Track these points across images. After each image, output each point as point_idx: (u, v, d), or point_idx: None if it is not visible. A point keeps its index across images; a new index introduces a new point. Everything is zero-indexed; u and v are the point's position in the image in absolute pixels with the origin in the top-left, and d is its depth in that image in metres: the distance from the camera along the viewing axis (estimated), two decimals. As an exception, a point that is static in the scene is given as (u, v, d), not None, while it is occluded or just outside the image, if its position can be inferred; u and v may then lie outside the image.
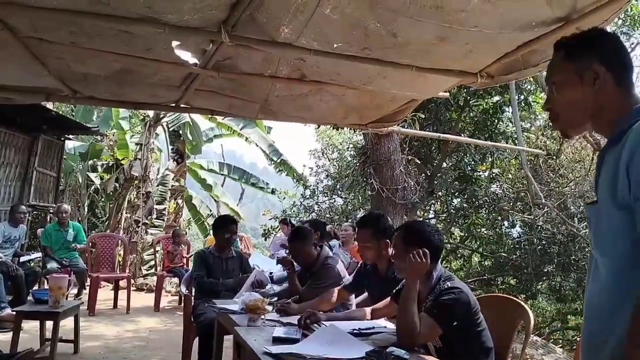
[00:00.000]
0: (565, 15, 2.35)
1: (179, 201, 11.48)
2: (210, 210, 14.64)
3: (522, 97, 8.49)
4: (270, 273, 5.11)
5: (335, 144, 13.24)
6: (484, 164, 9.07)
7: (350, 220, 9.53)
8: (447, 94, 4.11)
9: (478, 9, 2.26)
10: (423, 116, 7.32)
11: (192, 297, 4.29)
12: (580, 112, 1.33)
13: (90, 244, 7.79)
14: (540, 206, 8.67)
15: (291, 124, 4.61)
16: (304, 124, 5.92)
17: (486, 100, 8.21)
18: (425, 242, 2.41)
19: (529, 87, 8.77)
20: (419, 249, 2.35)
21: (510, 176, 9.94)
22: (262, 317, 2.82)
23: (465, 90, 7.77)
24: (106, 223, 11.57)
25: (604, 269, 1.21)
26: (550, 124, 1.50)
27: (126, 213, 10.78)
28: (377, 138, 6.66)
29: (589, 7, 2.28)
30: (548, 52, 2.74)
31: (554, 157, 9.52)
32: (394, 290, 2.74)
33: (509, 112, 8.59)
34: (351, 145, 10.95)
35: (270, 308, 3.01)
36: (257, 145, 13.04)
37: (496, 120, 8.33)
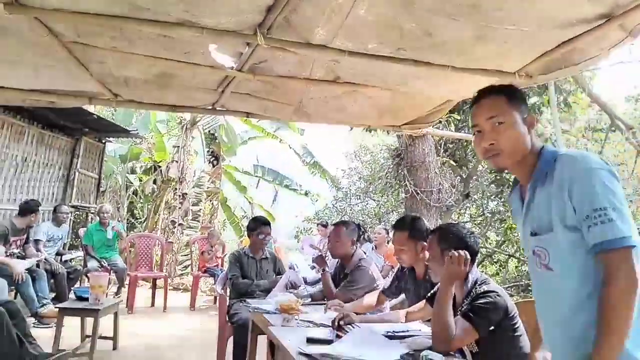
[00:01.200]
0: (608, 12, 2.28)
1: (214, 202, 11.63)
2: (245, 212, 14.76)
3: (561, 97, 8.26)
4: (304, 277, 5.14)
5: (369, 146, 13.17)
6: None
7: (383, 223, 9.47)
8: (484, 94, 4.02)
9: (515, 6, 2.21)
10: (458, 117, 7.22)
11: (227, 297, 4.33)
12: (521, 149, 1.60)
13: (129, 243, 7.97)
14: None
15: (325, 125, 4.61)
16: (337, 125, 5.93)
17: (524, 101, 8.03)
18: (461, 245, 2.38)
19: (568, 87, 8.53)
20: (455, 251, 2.32)
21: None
22: (296, 317, 2.82)
23: (502, 91, 7.62)
24: (144, 224, 11.83)
25: (563, 280, 1.49)
26: (491, 156, 1.65)
27: (163, 214, 10.98)
28: (411, 140, 6.60)
29: (634, 3, 2.20)
30: (590, 50, 2.66)
31: (595, 160, 9.22)
32: (429, 294, 2.72)
33: (547, 113, 8.37)
34: (385, 147, 10.91)
35: (304, 309, 3.02)
36: (291, 147, 13.08)
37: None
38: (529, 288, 9.83)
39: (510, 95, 1.64)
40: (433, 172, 6.60)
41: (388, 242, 6.45)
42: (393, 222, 3.39)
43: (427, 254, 2.85)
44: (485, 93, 1.67)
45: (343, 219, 10.83)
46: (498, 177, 8.49)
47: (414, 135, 6.30)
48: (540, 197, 1.55)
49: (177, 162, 10.50)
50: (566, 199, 1.44)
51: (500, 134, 1.59)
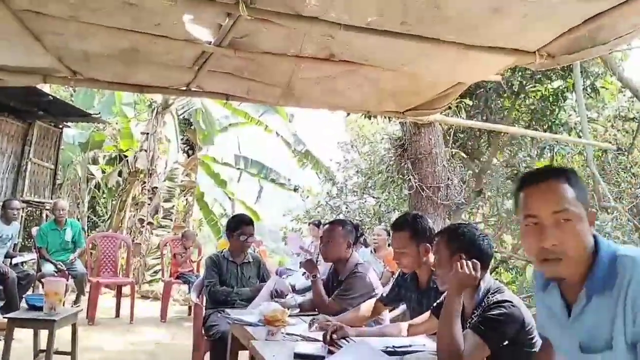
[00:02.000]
0: (641, -17, 2.29)
1: (189, 198, 11.62)
2: (225, 210, 14.74)
3: (587, 81, 8.31)
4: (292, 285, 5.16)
5: (367, 135, 13.18)
6: (542, 160, 8.91)
7: (383, 224, 9.51)
8: (500, 77, 4.05)
9: (537, -24, 2.22)
10: (471, 103, 7.23)
11: (203, 307, 4.34)
12: (585, 253, 1.51)
13: (90, 245, 7.94)
14: (609, 210, 8.46)
15: (317, 111, 4.62)
16: (331, 111, 5.91)
17: (545, 85, 8.05)
18: (472, 249, 2.40)
19: (596, 69, 8.58)
20: (466, 256, 2.35)
21: (573, 175, 9.76)
22: (283, 330, 2.83)
23: (520, 73, 7.62)
24: (108, 222, 11.77)
25: None
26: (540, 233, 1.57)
27: (130, 211, 10.94)
28: (416, 128, 6.61)
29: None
30: (619, 27, 2.67)
31: (626, 153, 9.29)
32: (435, 304, 2.73)
33: (572, 99, 8.42)
34: (386, 137, 10.94)
35: (291, 320, 3.03)
36: (278, 135, 13.07)
37: (557, 109, 8.16)
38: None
39: (574, 182, 1.56)
40: (441, 166, 6.60)
41: (389, 245, 6.48)
42: None
43: (432, 257, 2.84)
44: (545, 175, 1.59)
45: (338, 217, 10.85)
46: (515, 172, 8.51)
47: (419, 123, 6.30)
48: (598, 307, 1.49)
49: (146, 151, 10.45)
50: (630, 313, 1.40)
51: (566, 234, 1.50)
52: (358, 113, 7.26)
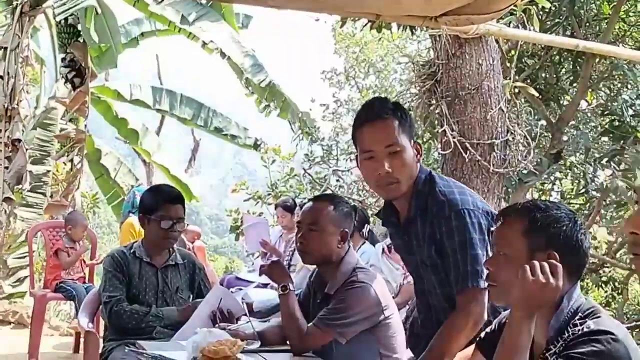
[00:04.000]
0: None
1: (76, 159, 11.52)
2: (137, 179, 14.74)
3: None
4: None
5: (373, 59, 13.15)
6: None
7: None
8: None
9: None
10: (548, 5, 7.18)
11: (100, 337, 4.36)
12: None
13: None
14: None
15: (290, 14, 4.56)
16: (316, 13, 5.82)
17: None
18: (568, 247, 2.44)
19: None
20: (552, 254, 2.39)
21: None
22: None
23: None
24: None
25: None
26: None
27: (-24, 179, 10.83)
28: (456, 47, 6.58)
29: None
30: None
31: None
32: (483, 334, 2.84)
33: None
34: (404, 62, 10.87)
35: (246, 359, 3.08)
36: (225, 56, 12.93)
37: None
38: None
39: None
40: (496, 110, 6.58)
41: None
42: None
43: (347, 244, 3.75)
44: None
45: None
46: (618, 124, 8.47)
47: (461, 38, 6.28)
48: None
49: (1, 78, 10.25)
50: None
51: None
52: (358, 18, 7.19)
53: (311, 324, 3.64)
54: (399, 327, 3.76)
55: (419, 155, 3.22)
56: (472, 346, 2.90)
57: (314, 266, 4.02)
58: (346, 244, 3.81)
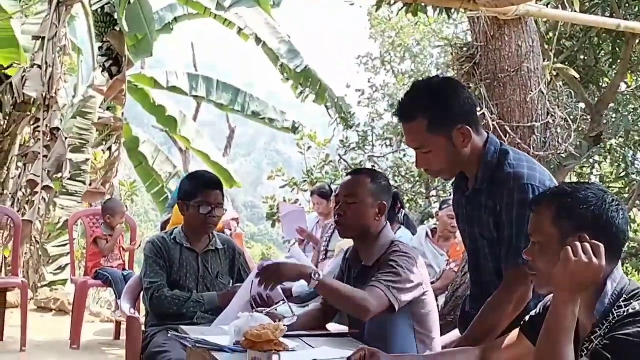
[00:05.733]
0: None
1: (114, 147, 11.55)
2: (175, 167, 14.77)
3: None
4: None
5: (409, 42, 13.05)
6: None
7: (448, 193, 9.48)
8: None
9: None
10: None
11: (142, 323, 4.40)
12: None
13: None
14: None
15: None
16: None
17: None
18: (600, 227, 2.38)
19: None
20: (583, 236, 2.33)
21: None
22: (276, 355, 2.83)
23: None
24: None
25: None
26: None
27: (16, 168, 10.90)
28: (495, 28, 6.49)
29: None
30: None
31: None
32: (527, 317, 2.77)
33: None
34: (441, 45, 10.81)
35: (290, 343, 3.07)
36: (260, 42, 12.90)
37: None
38: None
39: None
40: (537, 92, 6.50)
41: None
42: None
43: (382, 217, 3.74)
44: None
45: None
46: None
47: (500, 20, 6.21)
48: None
49: (40, 68, 10.29)
50: None
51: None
52: (397, 1, 7.14)
53: (369, 285, 3.51)
54: (433, 307, 3.75)
55: (465, 141, 3.11)
56: (517, 330, 2.81)
57: (347, 246, 4.01)
58: (384, 218, 3.80)
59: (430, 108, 3.09)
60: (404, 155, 11.78)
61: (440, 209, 7.11)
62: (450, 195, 9.30)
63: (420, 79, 3.13)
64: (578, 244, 2.30)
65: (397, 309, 3.46)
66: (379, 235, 3.75)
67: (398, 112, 3.25)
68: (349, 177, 3.99)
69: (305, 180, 12.65)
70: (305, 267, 3.79)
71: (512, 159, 3.11)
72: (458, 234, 6.06)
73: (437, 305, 3.82)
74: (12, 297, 7.75)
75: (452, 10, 7.25)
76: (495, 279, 3.15)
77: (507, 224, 3.04)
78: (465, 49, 6.88)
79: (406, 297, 3.50)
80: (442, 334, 3.83)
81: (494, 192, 3.11)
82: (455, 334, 3.56)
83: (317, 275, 3.56)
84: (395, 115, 3.40)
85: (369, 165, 11.60)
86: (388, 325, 3.58)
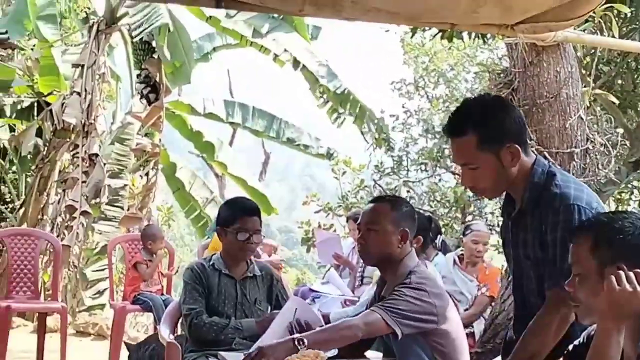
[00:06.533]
0: None
1: (151, 173, 11.64)
2: (212, 192, 14.81)
3: None
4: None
5: (443, 67, 13.04)
6: None
7: (483, 220, 9.42)
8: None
9: None
10: (628, 11, 7.07)
11: (181, 349, 4.35)
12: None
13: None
14: None
15: (360, 26, 4.60)
16: (386, 24, 5.82)
17: None
18: (627, 254, 2.38)
19: None
20: (621, 266, 2.33)
21: None
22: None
23: None
24: (19, 211, 11.87)
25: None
26: None
27: (56, 193, 11.00)
28: (533, 55, 6.48)
29: None
30: None
31: None
32: (571, 347, 2.73)
33: None
34: (478, 70, 10.77)
35: None
36: (298, 65, 12.95)
37: None
38: None
39: None
40: (575, 118, 6.48)
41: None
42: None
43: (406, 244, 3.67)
44: None
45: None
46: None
47: (539, 46, 6.21)
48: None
49: (79, 95, 10.44)
50: None
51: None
52: (431, 27, 7.16)
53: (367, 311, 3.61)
54: (458, 335, 3.71)
55: (513, 160, 3.10)
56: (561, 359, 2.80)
57: (376, 276, 4.01)
58: (407, 245, 3.77)
59: (481, 124, 3.10)
60: (439, 180, 11.75)
61: (464, 234, 7.08)
62: (483, 219, 9.29)
63: (464, 98, 3.10)
64: (622, 273, 2.29)
65: (399, 334, 3.44)
66: (400, 262, 3.75)
67: (447, 127, 3.25)
68: (370, 205, 4.02)
69: (340, 205, 12.65)
70: (287, 339, 3.63)
71: (559, 180, 3.10)
72: (486, 256, 6.00)
73: (474, 333, 3.80)
74: (52, 321, 7.82)
75: (488, 36, 7.27)
76: (538, 301, 3.13)
77: (552, 243, 3.02)
78: (502, 74, 6.87)
79: (410, 323, 3.48)
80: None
81: (539, 212, 3.09)
82: None
83: (302, 342, 3.42)
84: (444, 130, 3.34)
85: (404, 190, 11.59)
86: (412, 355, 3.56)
